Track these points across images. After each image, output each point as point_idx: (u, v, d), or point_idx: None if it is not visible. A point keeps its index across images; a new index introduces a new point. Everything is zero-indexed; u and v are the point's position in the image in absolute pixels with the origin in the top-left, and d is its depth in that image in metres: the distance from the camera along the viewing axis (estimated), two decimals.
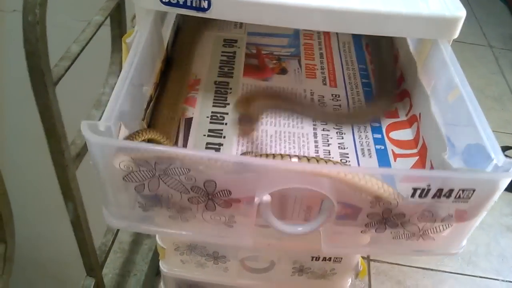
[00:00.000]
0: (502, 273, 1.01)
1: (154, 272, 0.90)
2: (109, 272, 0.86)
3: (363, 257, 0.98)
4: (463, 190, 0.36)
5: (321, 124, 0.53)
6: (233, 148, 0.49)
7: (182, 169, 0.35)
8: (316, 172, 0.35)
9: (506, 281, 1.00)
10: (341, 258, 0.63)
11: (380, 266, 0.99)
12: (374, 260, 1.00)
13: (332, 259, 0.63)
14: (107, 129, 0.35)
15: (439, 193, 0.36)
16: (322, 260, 0.63)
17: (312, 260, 0.63)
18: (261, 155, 0.41)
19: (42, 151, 0.57)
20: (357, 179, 0.34)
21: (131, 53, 0.42)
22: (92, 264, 0.72)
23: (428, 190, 0.36)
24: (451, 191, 0.36)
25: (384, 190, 0.35)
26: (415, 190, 0.36)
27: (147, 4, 0.46)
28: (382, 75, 0.59)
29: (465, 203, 0.38)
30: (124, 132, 0.38)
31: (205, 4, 0.45)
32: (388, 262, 1.00)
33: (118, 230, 0.83)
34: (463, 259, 1.02)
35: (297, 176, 0.35)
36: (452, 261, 1.02)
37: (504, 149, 1.24)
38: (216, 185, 0.36)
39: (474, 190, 0.37)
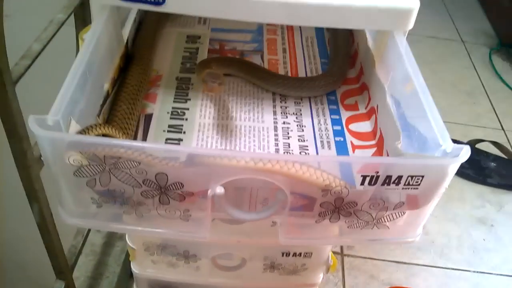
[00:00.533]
0: (473, 264, 1.03)
1: (127, 274, 0.89)
2: (81, 275, 0.85)
3: (335, 252, 0.99)
4: (412, 177, 0.37)
5: (281, 117, 0.53)
6: (193, 143, 0.49)
7: (132, 162, 0.35)
8: (258, 168, 0.35)
9: (478, 272, 1.02)
10: (311, 253, 0.64)
11: (353, 261, 1.00)
12: (347, 255, 1.00)
13: (302, 254, 0.64)
14: (55, 123, 0.35)
15: (388, 180, 0.37)
16: (292, 256, 0.64)
17: (282, 256, 0.64)
18: None
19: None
20: (301, 172, 0.35)
21: (83, 47, 0.42)
22: (62, 267, 0.71)
23: (377, 177, 0.37)
24: (400, 177, 0.37)
25: (330, 181, 0.36)
26: (364, 177, 0.37)
27: None
28: (336, 52, 0.61)
29: (415, 189, 0.38)
30: (75, 127, 0.38)
31: None
32: (361, 257, 1.01)
33: (88, 232, 0.82)
34: (435, 252, 1.04)
35: (245, 168, 0.36)
36: (424, 254, 1.03)
37: (476, 142, 1.26)
38: (167, 178, 0.37)
39: (423, 176, 0.37)
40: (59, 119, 0.35)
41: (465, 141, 1.27)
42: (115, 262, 0.88)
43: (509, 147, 1.31)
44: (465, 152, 0.37)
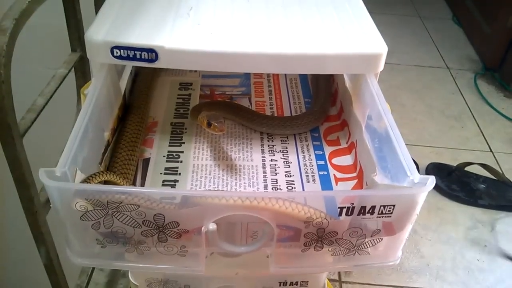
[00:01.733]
0: (469, 285, 1.05)
1: None
2: None
3: (334, 280, 1.02)
4: (384, 206, 0.41)
5: (269, 155, 0.58)
6: (187, 184, 0.53)
7: (132, 205, 0.39)
8: (246, 205, 0.39)
9: None
10: (308, 281, 0.67)
11: (351, 287, 1.02)
12: (345, 282, 1.03)
13: (299, 283, 0.67)
14: (63, 174, 0.39)
15: (363, 210, 0.41)
16: (290, 285, 0.67)
17: (280, 285, 0.67)
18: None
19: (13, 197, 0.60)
20: (284, 207, 0.39)
21: (85, 103, 0.47)
22: None
23: (353, 208, 0.41)
24: (373, 207, 0.41)
25: (311, 214, 0.40)
26: (341, 209, 0.41)
27: (101, 58, 0.51)
28: (318, 92, 0.67)
29: (389, 217, 0.42)
30: (80, 176, 0.42)
31: (153, 56, 0.50)
32: (359, 283, 1.03)
33: (92, 272, 0.86)
34: (431, 274, 1.07)
35: (234, 206, 0.40)
36: (420, 277, 1.06)
37: (465, 165, 1.30)
38: (165, 218, 0.41)
39: (394, 206, 0.41)
40: (66, 170, 0.40)
41: (455, 164, 1.32)
42: None
43: (498, 168, 1.35)
44: (431, 182, 0.41)
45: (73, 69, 0.71)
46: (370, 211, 0.41)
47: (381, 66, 0.52)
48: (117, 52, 0.49)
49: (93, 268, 0.83)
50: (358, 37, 0.52)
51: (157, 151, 0.57)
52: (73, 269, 0.82)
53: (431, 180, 0.41)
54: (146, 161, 0.56)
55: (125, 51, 0.49)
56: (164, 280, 0.65)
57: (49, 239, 0.64)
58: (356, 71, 0.54)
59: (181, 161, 0.56)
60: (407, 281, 1.05)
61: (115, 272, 0.94)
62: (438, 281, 1.05)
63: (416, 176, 0.42)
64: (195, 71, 0.71)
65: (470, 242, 1.15)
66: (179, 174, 0.54)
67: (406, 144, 0.45)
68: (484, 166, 1.30)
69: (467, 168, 1.31)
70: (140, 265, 0.45)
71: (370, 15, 0.57)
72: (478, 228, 1.19)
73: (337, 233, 0.43)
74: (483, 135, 1.50)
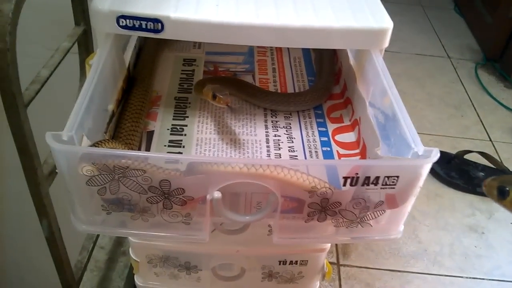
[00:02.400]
0: (465, 270, 1.06)
1: None
2: None
3: (332, 262, 1.02)
4: (388, 177, 0.41)
5: (273, 130, 0.58)
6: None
7: (138, 171, 0.40)
8: (251, 173, 0.39)
9: (470, 277, 1.05)
10: (307, 261, 0.68)
11: (349, 270, 1.03)
12: (344, 265, 1.04)
13: (298, 263, 0.68)
14: (70, 138, 0.40)
15: (367, 181, 0.41)
16: (289, 264, 0.67)
17: (279, 264, 0.67)
18: None
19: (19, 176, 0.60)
20: (289, 176, 0.39)
21: (91, 72, 0.47)
22: (69, 281, 0.75)
23: (357, 178, 0.41)
24: (377, 178, 0.41)
25: (315, 183, 0.40)
26: (345, 179, 0.41)
27: (106, 28, 0.51)
28: (321, 70, 0.66)
29: (392, 189, 0.43)
30: (86, 142, 0.43)
31: (158, 27, 0.50)
32: (357, 266, 1.04)
33: (93, 249, 0.86)
34: (428, 259, 1.07)
35: (239, 174, 0.40)
36: (418, 262, 1.07)
37: (464, 153, 1.31)
38: (170, 184, 0.41)
39: (398, 177, 0.42)
40: (73, 134, 0.40)
41: (454, 152, 1.32)
42: (119, 277, 0.91)
43: (496, 157, 1.35)
44: (435, 154, 0.42)
45: (76, 44, 0.71)
46: (374, 182, 0.42)
47: (386, 42, 0.53)
48: (122, 22, 0.49)
49: (94, 245, 0.84)
50: (364, 12, 0.53)
51: (161, 124, 0.57)
52: (74, 246, 0.82)
53: (435, 152, 0.42)
54: (150, 134, 0.56)
55: (131, 20, 0.49)
56: (164, 257, 0.66)
57: (51, 212, 0.64)
58: (361, 47, 0.54)
59: (185, 134, 0.56)
60: (405, 265, 1.06)
61: (115, 250, 0.95)
62: (435, 266, 1.06)
63: (420, 148, 0.43)
64: (199, 47, 0.71)
65: (467, 229, 1.16)
66: (183, 147, 0.55)
67: None
68: (483, 154, 1.31)
69: (466, 156, 1.32)
70: (145, 232, 0.46)
71: None
72: (476, 215, 1.20)
73: (340, 204, 0.43)
74: (482, 124, 1.51)
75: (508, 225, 1.18)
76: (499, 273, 1.07)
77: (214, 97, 0.53)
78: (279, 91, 0.65)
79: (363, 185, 0.42)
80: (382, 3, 0.56)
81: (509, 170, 1.29)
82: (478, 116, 1.54)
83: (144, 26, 0.49)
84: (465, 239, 1.14)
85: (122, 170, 0.39)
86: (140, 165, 0.39)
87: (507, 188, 0.35)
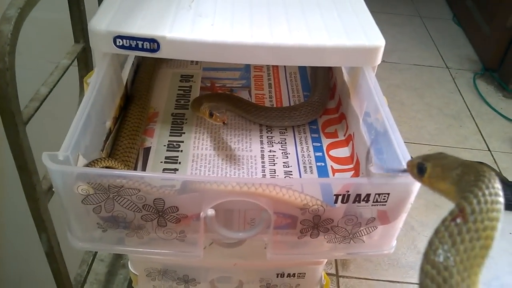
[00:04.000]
0: None
1: None
2: None
3: (331, 274, 1.03)
4: (379, 194, 0.42)
5: (268, 146, 0.59)
6: (187, 173, 0.54)
7: (132, 189, 0.40)
8: (244, 191, 0.40)
9: None
10: (305, 273, 0.68)
11: (348, 282, 1.03)
12: (342, 276, 1.04)
13: (296, 275, 0.68)
14: (65, 158, 0.40)
15: (358, 198, 0.42)
16: (287, 277, 0.68)
17: (277, 277, 0.68)
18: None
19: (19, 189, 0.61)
20: (281, 194, 0.40)
21: (88, 91, 0.48)
22: None
23: (348, 195, 0.42)
24: (368, 195, 0.42)
25: (307, 201, 0.41)
26: (337, 196, 0.42)
27: (103, 48, 0.52)
28: (316, 85, 0.67)
29: (383, 205, 0.43)
30: (82, 161, 0.43)
31: (155, 46, 0.51)
32: (356, 277, 1.04)
33: (93, 262, 0.87)
34: None
35: (232, 192, 0.41)
36: (417, 273, 1.06)
37: None
38: (164, 202, 0.42)
39: (388, 194, 0.42)
40: (69, 154, 0.41)
41: None
42: None
43: (495, 167, 1.36)
44: None
45: (76, 60, 0.72)
46: (365, 199, 0.42)
47: (378, 59, 0.53)
48: (119, 42, 0.50)
49: (93, 258, 0.84)
50: (356, 30, 0.53)
51: (157, 140, 0.58)
52: (73, 260, 0.83)
53: None
54: (147, 150, 0.57)
55: (128, 40, 0.50)
56: (163, 270, 0.66)
57: (50, 227, 0.64)
58: (354, 64, 0.55)
59: (181, 151, 0.57)
60: (404, 276, 1.06)
61: (114, 263, 0.95)
62: None
63: None
64: (196, 63, 0.72)
65: None
66: (179, 163, 0.55)
67: (404, 142, 0.46)
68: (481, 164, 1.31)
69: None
70: (140, 249, 0.46)
71: (371, 14, 0.58)
72: None
73: (332, 221, 0.44)
74: (481, 134, 1.51)
75: (507, 235, 1.18)
76: (498, 284, 1.07)
77: (211, 115, 0.53)
78: (274, 106, 0.66)
79: (354, 202, 0.42)
80: (381, 14, 0.57)
81: (507, 180, 1.29)
82: (477, 126, 1.55)
83: (140, 46, 0.50)
84: None
85: (117, 189, 0.40)
86: (135, 184, 0.40)
87: (426, 165, 0.35)
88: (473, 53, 1.94)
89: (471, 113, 1.60)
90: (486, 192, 0.25)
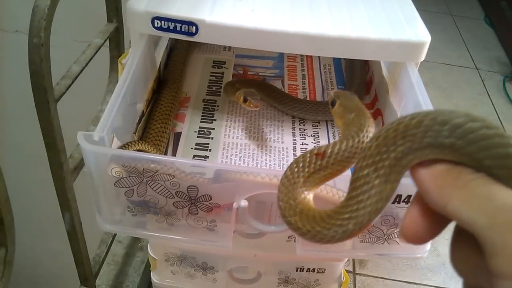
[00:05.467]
0: None
1: (146, 284, 0.93)
2: (102, 283, 0.89)
3: (348, 271, 1.01)
4: None
5: (300, 138, 0.57)
6: (218, 160, 0.53)
7: (167, 175, 0.39)
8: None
9: None
10: (325, 269, 0.67)
11: (365, 280, 1.02)
12: (360, 274, 1.03)
13: (316, 270, 0.67)
14: (101, 139, 0.40)
15: (398, 199, 0.41)
16: (306, 271, 0.67)
17: (296, 271, 0.67)
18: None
19: (41, 166, 0.61)
20: (319, 191, 0.39)
21: (124, 72, 0.47)
22: (86, 274, 0.75)
23: None
24: (409, 196, 0.40)
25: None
26: None
27: (141, 28, 0.51)
28: (352, 79, 0.66)
29: None
30: (116, 143, 0.43)
31: (193, 30, 0.49)
32: (373, 276, 1.03)
33: (111, 243, 0.86)
34: (446, 273, 1.06)
35: (268, 184, 0.40)
36: (435, 275, 1.05)
37: None
38: (198, 190, 0.41)
39: None
40: (104, 135, 0.40)
41: None
42: (135, 272, 0.91)
43: None
44: None
45: (107, 40, 0.71)
46: (406, 200, 0.41)
47: (423, 55, 0.52)
48: (157, 23, 0.49)
49: (112, 240, 0.84)
50: (401, 24, 0.52)
51: (188, 126, 0.57)
52: (93, 240, 0.83)
53: None
54: (178, 135, 0.56)
55: (166, 22, 0.49)
56: (182, 256, 0.66)
57: (74, 206, 0.64)
58: (397, 59, 0.53)
59: (212, 138, 0.56)
60: (422, 278, 1.04)
61: (133, 245, 0.95)
62: (453, 281, 1.05)
63: None
64: (229, 50, 0.71)
65: None
66: (210, 150, 0.54)
67: None
68: None
69: None
70: (168, 236, 0.46)
71: None
72: None
73: None
74: None
75: None
76: None
77: (245, 100, 0.52)
78: (308, 98, 0.64)
79: (394, 202, 0.41)
80: None
81: None
82: (504, 130, 1.51)
83: (178, 29, 0.49)
84: None
85: (151, 174, 0.39)
86: (169, 170, 0.39)
87: (335, 101, 0.41)
88: (503, 55, 1.89)
89: (499, 117, 1.56)
90: (343, 147, 0.32)
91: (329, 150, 0.32)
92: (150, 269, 0.71)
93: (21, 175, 1.19)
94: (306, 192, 0.32)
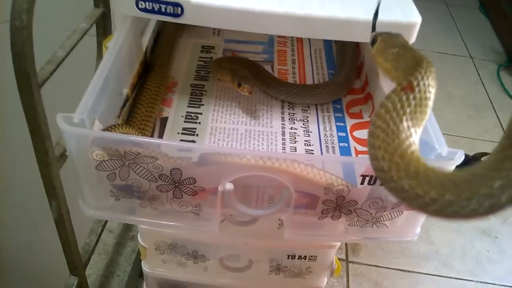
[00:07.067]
0: (477, 274, 1.04)
1: (137, 274, 0.92)
2: (93, 272, 0.88)
3: (340, 259, 1.01)
4: None
5: (289, 123, 0.56)
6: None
7: (149, 158, 0.38)
8: (266, 166, 0.38)
9: (481, 282, 1.03)
10: (316, 256, 0.66)
11: (358, 268, 1.02)
12: (352, 262, 1.03)
13: (307, 258, 0.66)
14: (81, 121, 0.38)
15: None
16: (298, 259, 0.66)
17: (288, 258, 0.66)
18: None
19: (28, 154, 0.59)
20: (305, 172, 0.38)
21: (107, 54, 0.46)
22: (75, 263, 0.74)
23: (376, 177, 0.39)
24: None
25: (332, 180, 0.39)
26: (364, 177, 0.39)
27: (125, 10, 0.49)
28: (343, 63, 0.64)
29: None
30: (98, 125, 0.42)
31: (178, 11, 0.48)
32: (366, 264, 1.03)
33: (101, 232, 0.86)
34: (439, 261, 1.06)
35: (254, 166, 0.39)
36: (428, 263, 1.05)
37: (482, 155, 1.28)
38: (182, 173, 0.40)
39: None
40: (85, 117, 0.39)
41: (471, 154, 1.29)
42: (126, 261, 0.91)
43: None
44: (459, 156, 0.40)
45: (94, 28, 0.70)
46: None
47: (413, 37, 0.51)
48: (142, 4, 0.48)
49: (103, 229, 0.83)
50: (391, 5, 0.50)
51: (175, 111, 0.56)
52: (82, 229, 0.82)
53: (460, 154, 0.40)
54: (164, 120, 0.55)
55: (150, 3, 0.48)
56: (172, 244, 0.65)
57: (61, 193, 0.63)
58: None
59: (199, 123, 0.55)
60: (415, 266, 1.04)
61: (123, 234, 0.94)
62: (445, 268, 1.05)
63: (444, 150, 0.41)
64: (218, 34, 0.69)
65: (481, 232, 1.14)
66: (197, 135, 0.53)
67: None
68: None
69: (483, 159, 1.28)
70: (153, 220, 0.45)
71: None
72: (489, 219, 1.17)
73: (356, 203, 0.42)
74: (502, 127, 1.47)
75: None
76: (511, 279, 1.05)
77: (239, 85, 0.52)
78: (297, 82, 0.63)
79: (381, 184, 0.40)
80: None
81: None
82: (498, 118, 1.51)
83: (163, 10, 0.48)
84: (477, 243, 1.11)
85: (133, 157, 0.38)
86: (152, 153, 0.38)
87: (377, 39, 0.39)
88: (498, 44, 1.89)
89: (493, 105, 1.56)
90: (423, 73, 0.30)
91: (412, 79, 0.29)
92: (140, 258, 0.70)
93: (15, 169, 1.18)
94: (413, 144, 0.28)
